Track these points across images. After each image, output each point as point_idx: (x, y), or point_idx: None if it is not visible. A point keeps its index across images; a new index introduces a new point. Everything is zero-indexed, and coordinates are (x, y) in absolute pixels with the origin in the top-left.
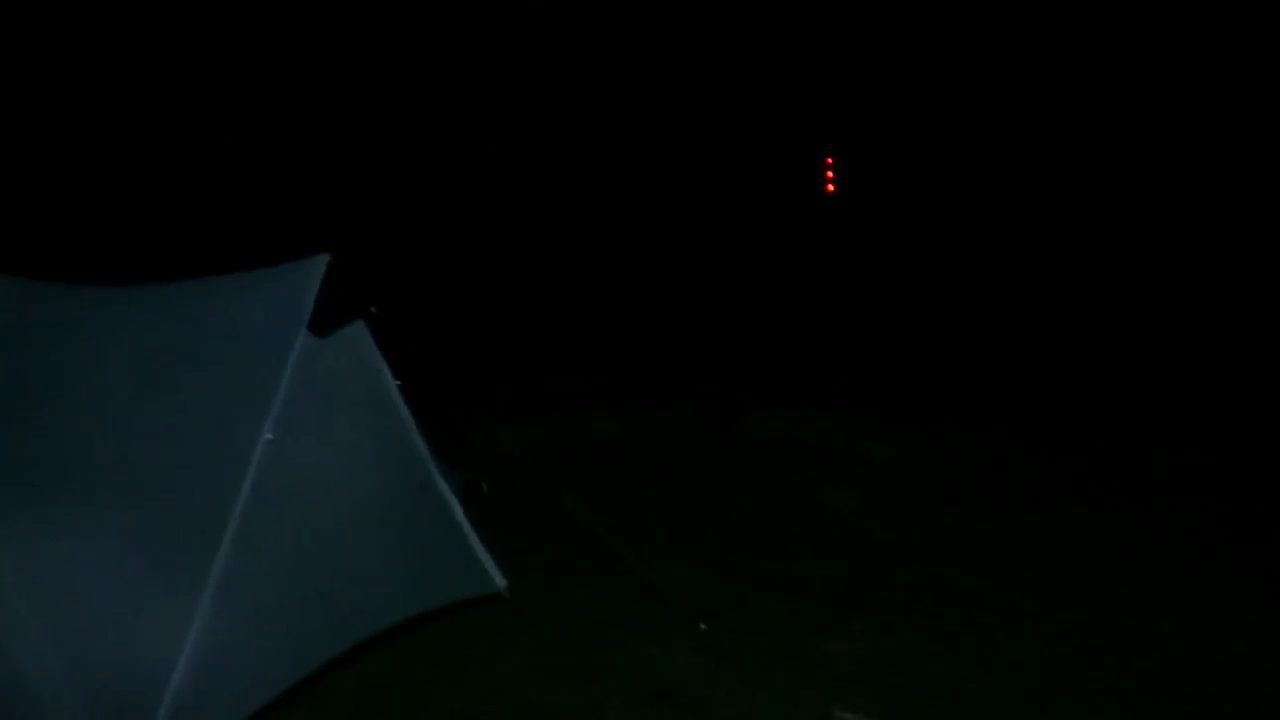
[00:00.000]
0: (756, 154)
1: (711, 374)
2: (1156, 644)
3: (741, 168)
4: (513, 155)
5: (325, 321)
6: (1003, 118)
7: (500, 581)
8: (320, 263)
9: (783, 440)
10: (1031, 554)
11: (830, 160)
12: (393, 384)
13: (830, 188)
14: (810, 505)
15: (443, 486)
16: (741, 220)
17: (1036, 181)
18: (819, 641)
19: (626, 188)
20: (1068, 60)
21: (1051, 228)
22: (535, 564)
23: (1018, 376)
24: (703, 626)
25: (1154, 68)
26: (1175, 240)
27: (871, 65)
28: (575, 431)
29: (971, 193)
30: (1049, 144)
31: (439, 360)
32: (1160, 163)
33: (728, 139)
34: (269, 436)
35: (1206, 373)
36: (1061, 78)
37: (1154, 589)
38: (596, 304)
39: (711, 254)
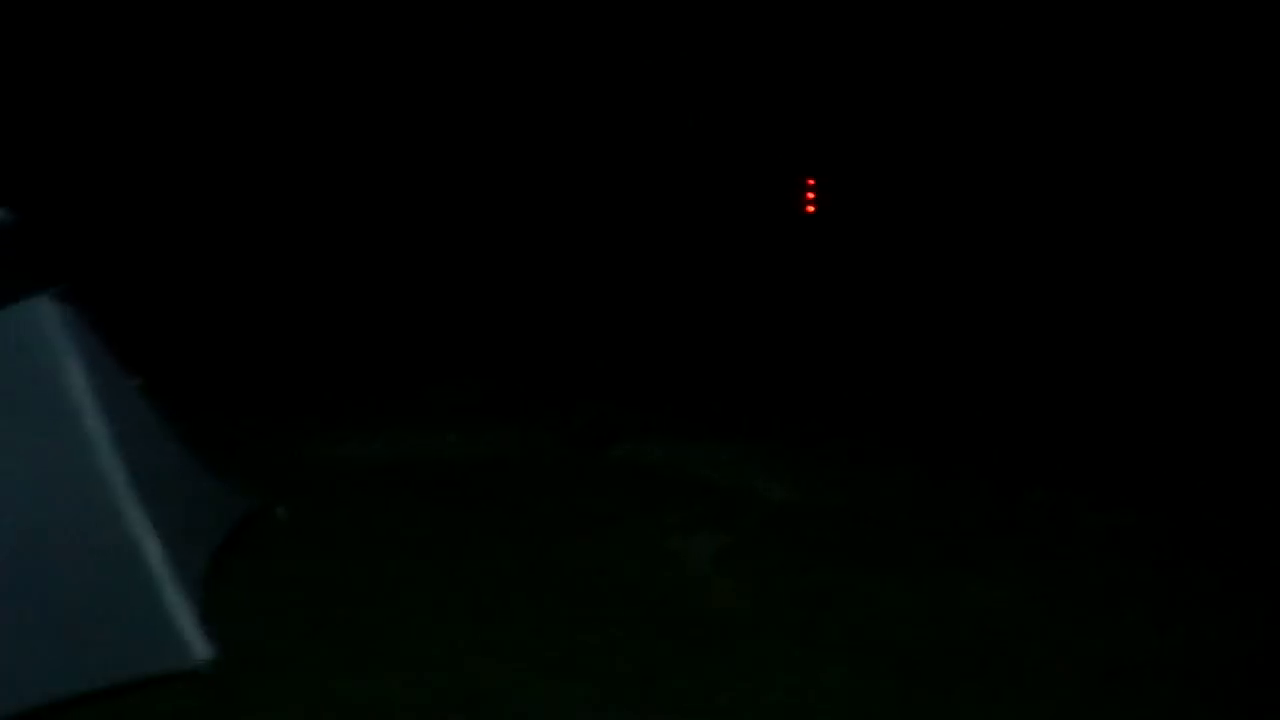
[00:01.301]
0: (733, 170)
1: (616, 391)
2: None
3: (715, 182)
4: (479, 154)
5: None
6: (988, 139)
7: (201, 653)
8: None
9: (660, 471)
10: (912, 637)
11: (812, 180)
12: (83, 382)
13: (810, 208)
14: (662, 556)
15: (134, 521)
16: (707, 236)
17: (1019, 206)
18: None
19: (592, 193)
20: (1055, 79)
21: (1031, 256)
22: (288, 624)
23: (969, 414)
24: None
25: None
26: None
27: (856, 80)
28: (423, 448)
29: (952, 217)
30: (1033, 166)
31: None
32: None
33: (700, 152)
34: None
35: (1162, 415)
36: (1047, 97)
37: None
38: (532, 310)
39: (667, 268)
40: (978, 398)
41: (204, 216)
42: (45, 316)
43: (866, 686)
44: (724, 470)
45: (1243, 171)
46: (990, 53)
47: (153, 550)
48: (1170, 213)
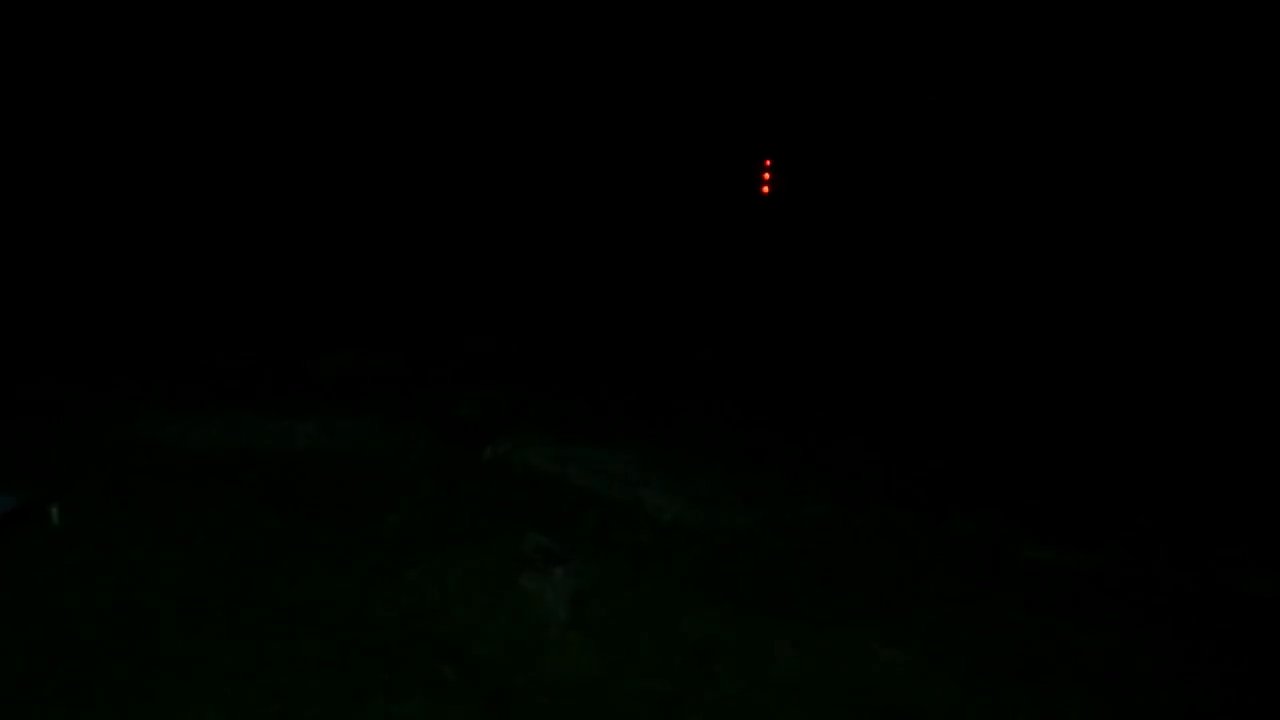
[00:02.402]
0: (685, 151)
1: (515, 376)
2: None
3: (665, 163)
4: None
5: None
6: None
7: None
8: None
9: (536, 478)
10: (802, 717)
11: (769, 161)
12: None
13: (765, 189)
14: (511, 596)
15: None
16: (649, 217)
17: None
18: None
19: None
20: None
21: (991, 250)
22: None
23: (898, 424)
24: None
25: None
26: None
27: (817, 61)
28: (267, 435)
29: (911, 205)
30: (1002, 151)
31: None
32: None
33: (652, 131)
34: None
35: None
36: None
37: None
38: (456, 283)
39: (610, 248)
40: (910, 406)
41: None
42: None
43: None
44: (611, 480)
45: (1207, 181)
46: (960, 37)
47: None
48: (1131, 210)
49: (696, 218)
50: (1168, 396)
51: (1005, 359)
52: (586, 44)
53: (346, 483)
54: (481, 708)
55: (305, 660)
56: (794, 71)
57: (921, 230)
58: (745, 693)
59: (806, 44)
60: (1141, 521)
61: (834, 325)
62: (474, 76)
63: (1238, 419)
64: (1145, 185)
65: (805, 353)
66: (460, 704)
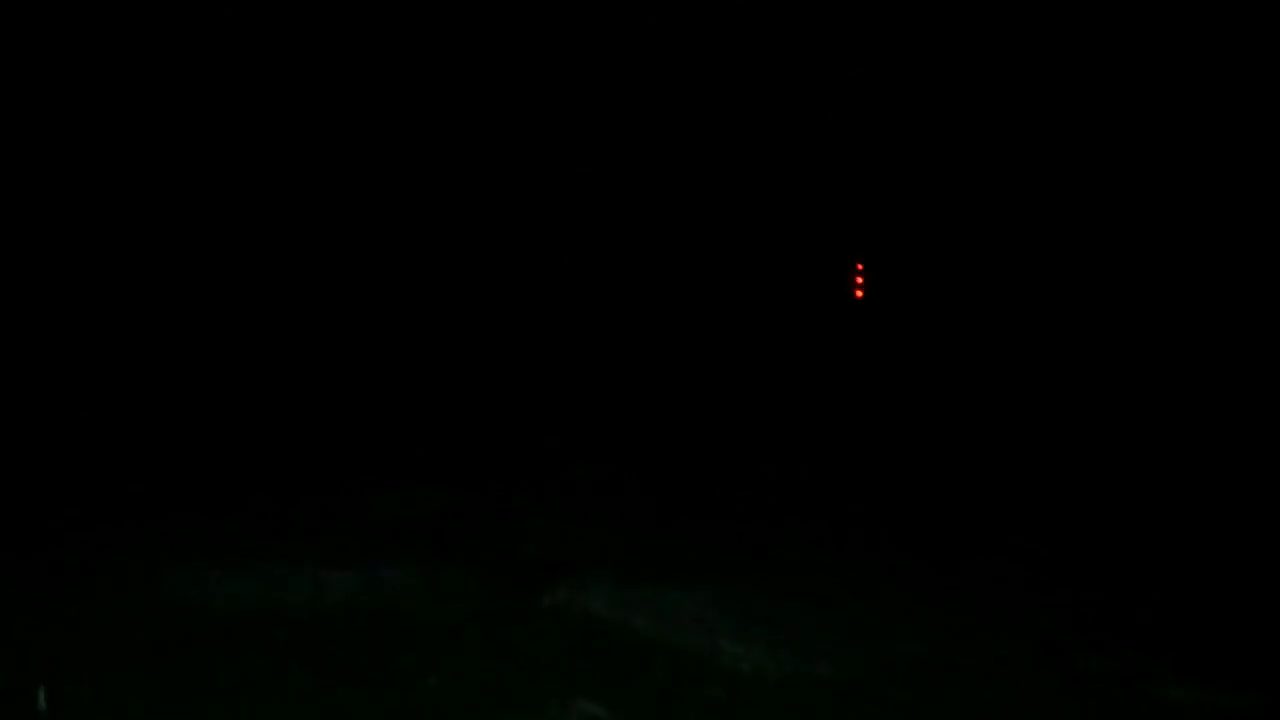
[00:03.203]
0: (774, 249)
1: (583, 506)
2: None
3: (752, 263)
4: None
5: None
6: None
7: None
8: None
9: (598, 625)
10: None
11: (861, 265)
12: None
13: (859, 293)
14: None
15: None
16: (733, 321)
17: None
18: None
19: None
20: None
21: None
22: None
23: (1008, 547)
24: None
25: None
26: None
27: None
28: (303, 587)
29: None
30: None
31: None
32: None
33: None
34: None
35: None
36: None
37: None
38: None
39: (689, 354)
40: (1019, 524)
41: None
42: None
43: None
44: (682, 625)
45: None
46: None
47: None
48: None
49: (784, 322)
50: None
51: (1122, 472)
52: (675, 126)
53: (385, 640)
54: None
55: None
56: (890, 163)
57: (1029, 339)
58: None
59: (905, 135)
60: None
61: (934, 440)
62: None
63: None
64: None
65: (902, 469)
66: None
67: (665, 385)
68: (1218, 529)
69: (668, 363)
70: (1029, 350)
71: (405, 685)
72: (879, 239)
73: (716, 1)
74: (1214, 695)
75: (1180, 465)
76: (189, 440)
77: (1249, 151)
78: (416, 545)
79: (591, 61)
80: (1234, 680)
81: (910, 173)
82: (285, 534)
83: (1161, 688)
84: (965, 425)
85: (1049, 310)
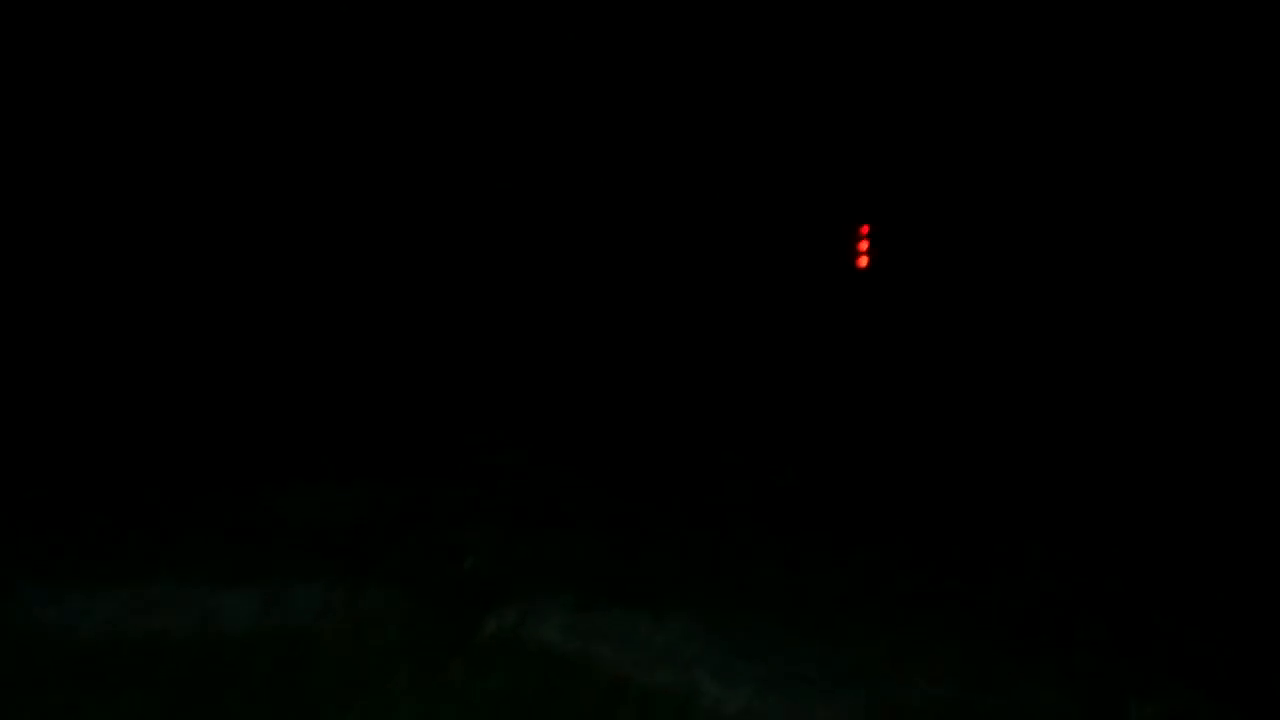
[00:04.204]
0: (768, 214)
1: (545, 508)
2: None
3: (743, 228)
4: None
5: None
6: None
7: None
8: None
9: (556, 661)
10: None
11: (866, 229)
12: None
13: (863, 261)
14: None
15: None
16: (716, 294)
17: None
18: None
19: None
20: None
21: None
22: None
23: (1037, 570)
24: None
25: None
26: None
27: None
28: (195, 609)
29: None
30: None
31: None
32: None
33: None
34: None
35: None
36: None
37: None
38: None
39: (668, 334)
40: (1051, 538)
41: None
42: None
43: None
44: (654, 659)
45: None
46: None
47: None
48: None
49: (777, 297)
50: None
51: (1158, 467)
52: (666, 89)
53: (292, 677)
54: None
55: None
56: (898, 119)
57: (1048, 317)
58: None
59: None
60: None
61: (949, 436)
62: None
63: None
64: None
65: (913, 471)
66: None
67: (633, 370)
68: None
69: (636, 343)
70: (1049, 330)
71: None
72: (886, 203)
73: None
74: None
75: (1229, 468)
76: (53, 429)
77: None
78: (330, 558)
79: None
80: None
81: (917, 138)
82: (169, 544)
83: None
84: (983, 418)
85: (1067, 287)
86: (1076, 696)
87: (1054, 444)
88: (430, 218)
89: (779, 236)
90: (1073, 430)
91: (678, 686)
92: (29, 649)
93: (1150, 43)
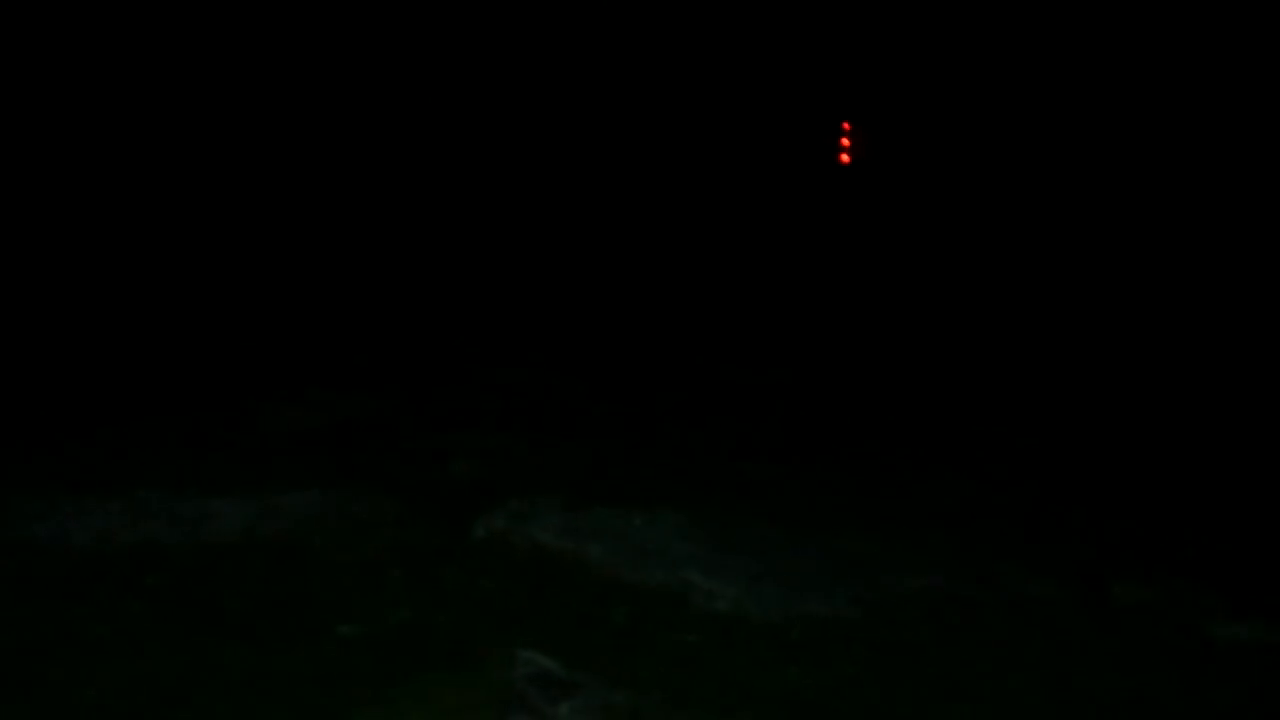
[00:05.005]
0: (749, 113)
1: (531, 410)
2: None
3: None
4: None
5: None
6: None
7: None
8: None
9: (548, 560)
10: None
11: (848, 125)
12: None
13: (845, 157)
14: None
15: None
16: (700, 195)
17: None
18: None
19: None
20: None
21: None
22: None
23: (1015, 454)
24: None
25: None
26: None
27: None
28: (185, 521)
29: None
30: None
31: None
32: None
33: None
34: None
35: None
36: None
37: None
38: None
39: (653, 235)
40: (1038, 429)
41: None
42: None
43: None
44: (645, 557)
45: None
46: None
47: None
48: None
49: (762, 194)
50: None
51: (1153, 359)
52: None
53: (285, 582)
54: None
55: None
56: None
57: (1032, 209)
58: None
59: None
60: None
61: (935, 327)
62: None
63: None
64: None
65: (900, 364)
66: None
67: (619, 273)
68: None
69: (622, 247)
70: (1041, 223)
71: (311, 637)
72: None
73: None
74: (1277, 634)
75: (1227, 369)
76: (41, 347)
77: None
78: (320, 464)
79: None
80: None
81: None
82: (159, 454)
83: (1214, 624)
84: (971, 315)
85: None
86: (1062, 584)
87: (1041, 341)
88: (419, 125)
89: (765, 137)
90: (1061, 327)
91: (669, 584)
92: (23, 560)
93: None
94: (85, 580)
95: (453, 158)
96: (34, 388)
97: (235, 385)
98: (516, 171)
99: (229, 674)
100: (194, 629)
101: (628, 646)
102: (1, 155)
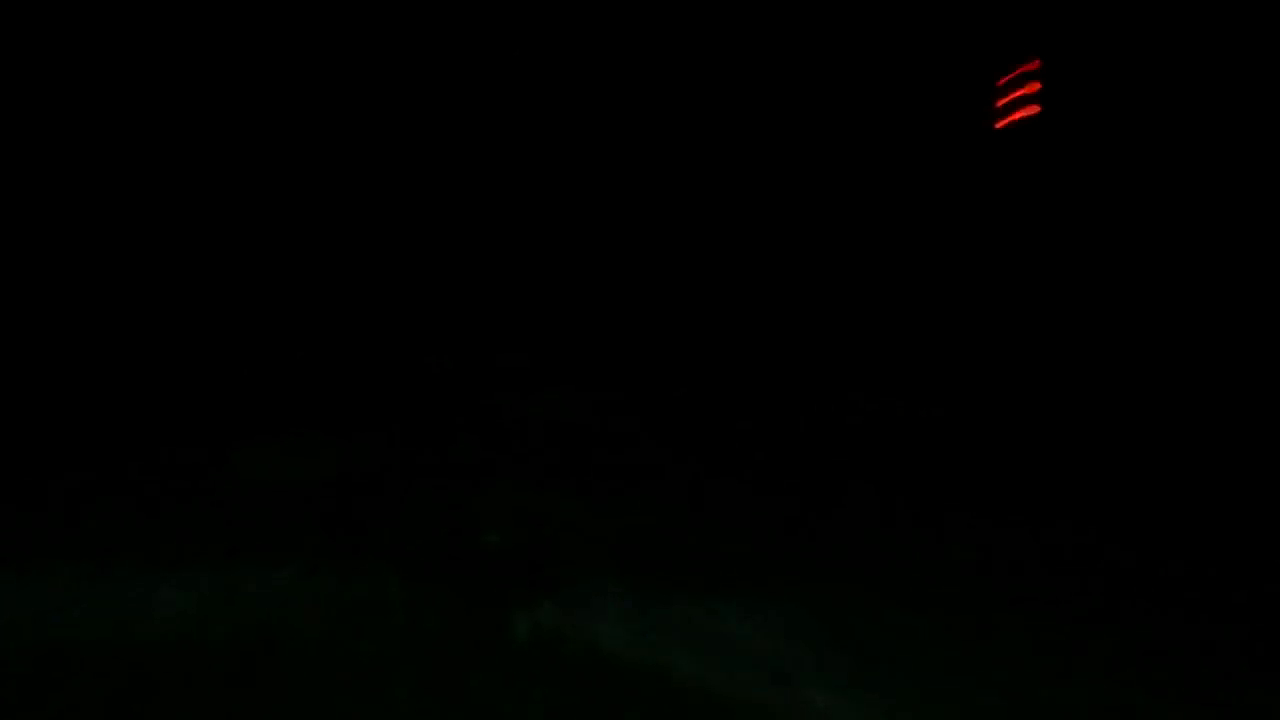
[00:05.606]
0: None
1: (594, 467)
2: None
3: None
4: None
5: None
6: None
7: None
8: None
9: (612, 672)
10: None
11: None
12: None
13: (1002, 122)
14: None
15: None
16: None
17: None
18: None
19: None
20: None
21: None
22: None
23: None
24: None
25: None
26: None
27: None
28: (124, 604)
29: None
30: None
31: None
32: None
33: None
34: None
35: None
36: None
37: None
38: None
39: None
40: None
41: None
42: None
43: None
44: (749, 671)
45: None
46: None
47: None
48: None
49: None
50: None
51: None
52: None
53: (248, 699)
54: None
55: None
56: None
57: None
58: None
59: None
60: None
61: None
62: None
63: None
64: None
65: (1071, 390)
66: None
67: (672, 273)
68: None
69: (668, 242)
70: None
71: None
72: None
73: None
74: None
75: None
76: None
77: None
78: (304, 530)
79: None
80: None
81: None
82: (95, 511)
83: None
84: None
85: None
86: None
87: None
88: (421, 127)
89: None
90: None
91: (773, 700)
92: None
93: None
94: (5, 678)
95: (470, 163)
96: None
97: (204, 423)
98: (540, 170)
99: None
100: None
101: None
102: None
